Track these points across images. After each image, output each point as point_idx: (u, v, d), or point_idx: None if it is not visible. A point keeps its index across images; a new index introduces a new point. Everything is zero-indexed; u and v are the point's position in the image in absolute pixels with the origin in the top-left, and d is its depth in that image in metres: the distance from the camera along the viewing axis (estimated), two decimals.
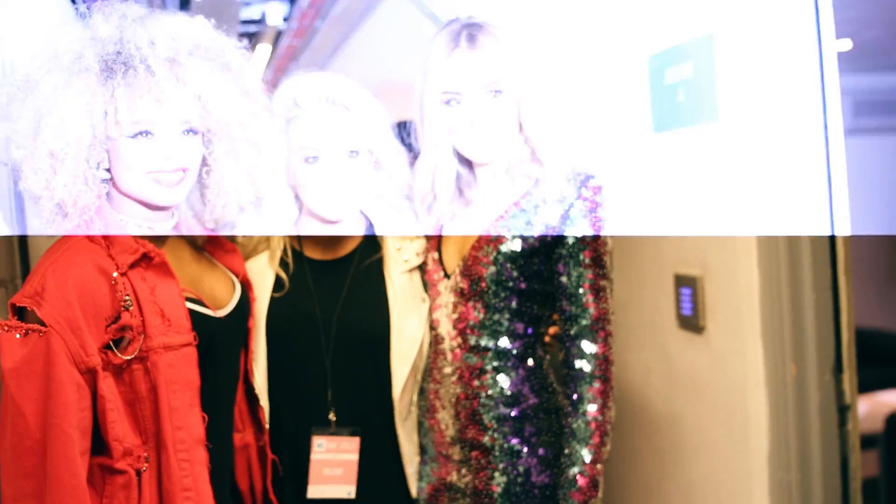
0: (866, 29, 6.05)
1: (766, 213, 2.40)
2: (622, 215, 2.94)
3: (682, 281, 2.71)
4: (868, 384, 4.11)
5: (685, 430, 2.81)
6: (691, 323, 2.67)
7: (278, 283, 2.35)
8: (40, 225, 2.00)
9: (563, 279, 2.24)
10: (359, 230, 2.43)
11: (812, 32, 2.36)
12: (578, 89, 3.30)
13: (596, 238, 2.22)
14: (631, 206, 2.96)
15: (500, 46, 2.23)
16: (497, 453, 2.26)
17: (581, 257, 2.21)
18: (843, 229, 2.39)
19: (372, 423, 2.33)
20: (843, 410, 2.42)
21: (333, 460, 2.29)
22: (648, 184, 2.88)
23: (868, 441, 3.62)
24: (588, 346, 2.22)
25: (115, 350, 1.83)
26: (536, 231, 2.23)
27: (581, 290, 2.22)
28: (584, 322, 2.23)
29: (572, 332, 2.23)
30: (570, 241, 2.21)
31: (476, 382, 2.28)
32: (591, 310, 2.22)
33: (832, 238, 2.40)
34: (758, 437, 2.45)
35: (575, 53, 3.32)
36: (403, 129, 2.46)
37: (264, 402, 2.27)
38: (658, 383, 2.92)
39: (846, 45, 6.56)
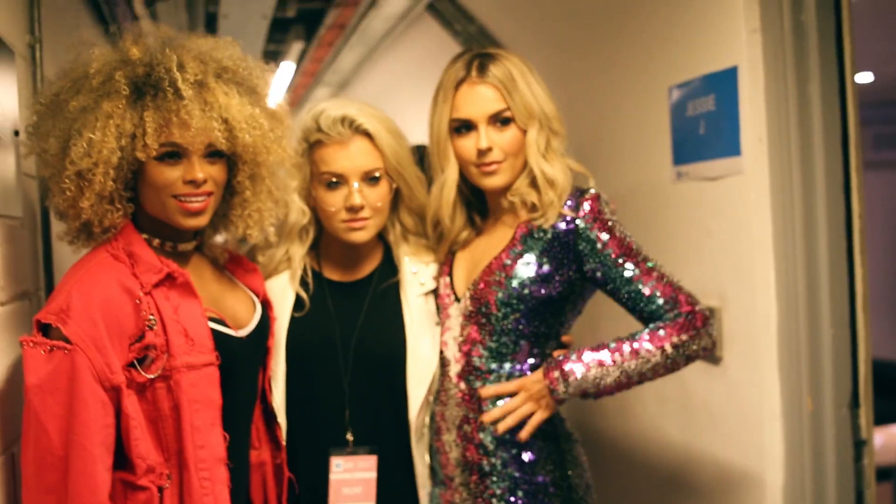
0: (888, 62, 6.05)
1: (785, 246, 2.41)
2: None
3: None
4: (882, 416, 4.09)
5: (700, 460, 2.81)
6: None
7: (298, 302, 2.37)
8: (65, 240, 2.02)
9: (611, 287, 2.24)
10: (377, 253, 2.46)
11: (834, 65, 2.38)
12: (597, 119, 3.32)
13: (613, 236, 2.22)
14: (650, 237, 2.97)
15: (510, 77, 2.25)
16: (495, 478, 2.26)
17: (611, 260, 2.21)
18: (862, 263, 2.39)
19: (388, 443, 2.35)
20: (859, 445, 2.41)
21: (352, 479, 2.31)
22: (668, 215, 2.88)
23: (882, 473, 3.61)
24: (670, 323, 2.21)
25: (139, 368, 1.84)
26: (549, 256, 2.23)
27: (637, 284, 2.21)
28: (653, 307, 2.22)
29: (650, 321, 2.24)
30: (592, 253, 2.21)
31: (477, 406, 2.29)
32: (657, 293, 2.21)
33: (851, 272, 2.40)
34: (773, 470, 2.44)
35: (596, 83, 3.34)
36: (424, 152, 2.48)
37: (282, 420, 2.29)
38: (674, 412, 2.92)
39: (867, 77, 6.58)
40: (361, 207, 2.29)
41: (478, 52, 2.33)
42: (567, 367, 2.20)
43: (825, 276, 2.37)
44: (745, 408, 2.54)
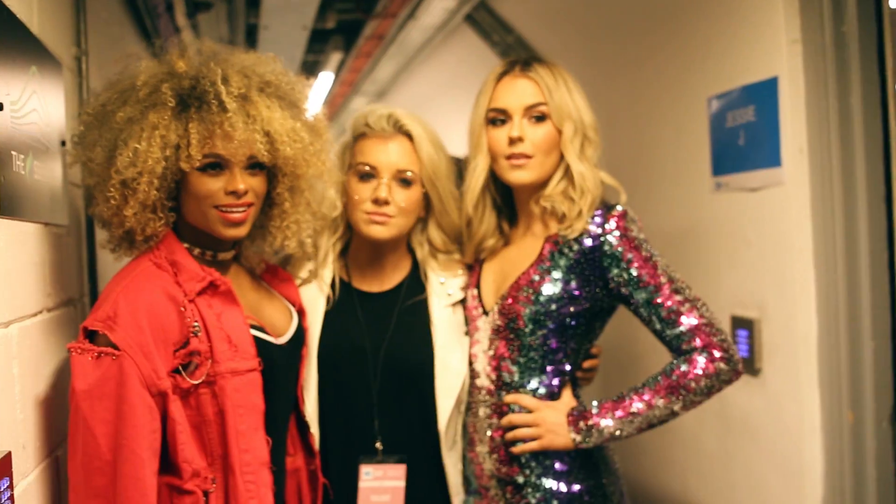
0: None
1: (826, 257, 2.40)
2: (680, 256, 2.94)
3: (738, 323, 2.69)
4: None
5: (738, 472, 2.79)
6: (747, 365, 2.65)
7: (328, 308, 2.39)
8: (108, 248, 2.06)
9: (633, 306, 2.22)
10: (405, 264, 2.47)
11: (875, 75, 2.36)
12: (636, 128, 3.31)
13: (639, 255, 2.20)
14: (689, 248, 2.96)
15: (552, 76, 2.26)
16: (530, 489, 2.26)
17: (635, 280, 2.19)
18: None
19: (418, 453, 2.36)
20: None
21: (380, 487, 2.32)
22: (707, 226, 2.88)
23: None
24: (699, 357, 2.16)
25: (184, 374, 1.87)
26: (576, 273, 2.23)
27: (659, 308, 2.18)
28: (673, 333, 2.18)
29: (675, 349, 2.21)
30: (617, 271, 2.21)
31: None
32: (679, 318, 2.17)
33: (892, 283, 2.38)
34: (812, 484, 2.43)
35: (635, 93, 3.34)
36: (462, 164, 2.49)
37: (314, 428, 2.31)
38: (712, 424, 2.91)
39: None
40: (386, 202, 2.30)
41: (527, 55, 2.36)
42: (593, 421, 2.20)
43: (866, 287, 2.35)
44: (785, 420, 2.53)
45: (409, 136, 2.35)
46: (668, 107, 3.10)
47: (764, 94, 2.49)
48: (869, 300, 2.35)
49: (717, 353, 2.15)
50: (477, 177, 2.35)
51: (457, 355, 2.38)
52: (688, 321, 2.16)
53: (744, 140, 2.61)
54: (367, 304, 2.42)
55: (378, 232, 2.32)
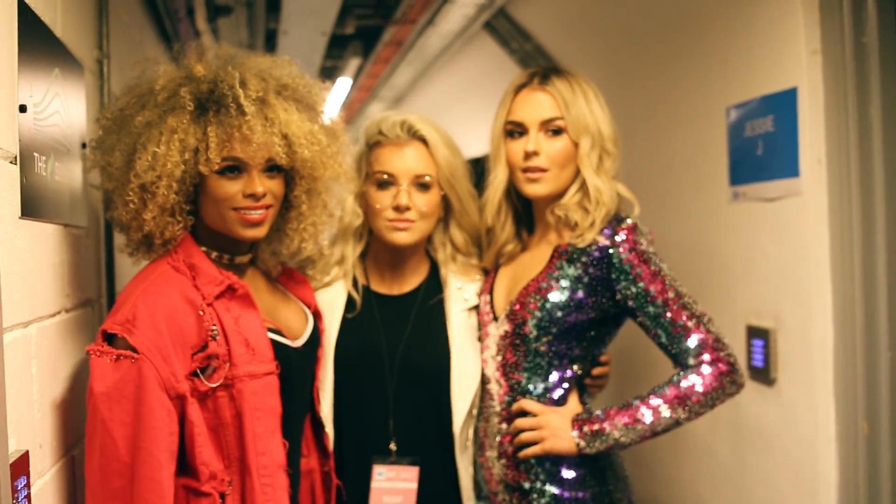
0: None
1: (843, 268, 2.39)
2: (696, 265, 2.94)
3: (754, 332, 2.69)
4: None
5: (752, 481, 2.78)
6: (762, 374, 2.65)
7: (349, 308, 2.41)
8: (125, 252, 2.07)
9: (640, 319, 2.23)
10: (423, 268, 2.48)
11: (895, 87, 2.35)
12: (654, 137, 3.31)
13: (647, 269, 2.20)
14: (705, 257, 2.96)
15: (570, 90, 2.26)
16: (535, 496, 2.27)
17: (643, 293, 2.20)
18: None
19: (432, 454, 2.37)
20: None
21: (393, 488, 2.33)
22: (724, 235, 2.87)
23: None
24: (704, 369, 2.18)
25: (202, 377, 1.88)
26: (583, 283, 2.23)
27: (665, 322, 2.19)
28: (679, 348, 2.19)
29: (682, 363, 2.21)
30: (625, 283, 2.21)
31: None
32: (685, 333, 2.18)
33: None
34: (826, 494, 2.42)
35: (653, 101, 3.34)
36: (483, 164, 2.50)
37: (329, 429, 2.32)
38: (726, 432, 2.90)
39: None
40: (407, 208, 2.32)
41: (547, 66, 2.37)
42: (598, 426, 2.20)
43: (883, 298, 2.34)
44: (799, 430, 2.52)
45: (424, 141, 2.37)
46: (687, 115, 3.09)
47: (783, 105, 2.49)
48: (885, 311, 2.34)
49: (724, 368, 2.17)
50: (496, 188, 2.37)
51: (471, 358, 2.39)
52: (696, 336, 2.18)
53: (762, 150, 2.61)
54: (385, 306, 2.44)
55: (402, 238, 2.35)
